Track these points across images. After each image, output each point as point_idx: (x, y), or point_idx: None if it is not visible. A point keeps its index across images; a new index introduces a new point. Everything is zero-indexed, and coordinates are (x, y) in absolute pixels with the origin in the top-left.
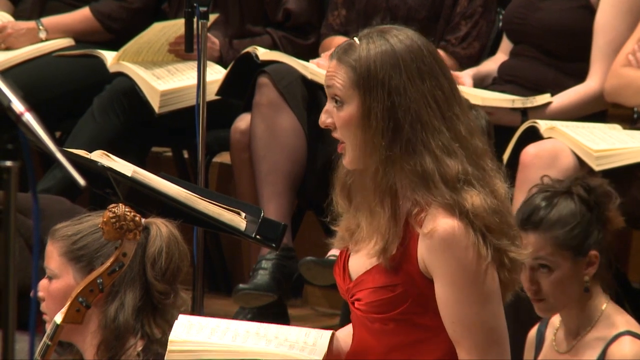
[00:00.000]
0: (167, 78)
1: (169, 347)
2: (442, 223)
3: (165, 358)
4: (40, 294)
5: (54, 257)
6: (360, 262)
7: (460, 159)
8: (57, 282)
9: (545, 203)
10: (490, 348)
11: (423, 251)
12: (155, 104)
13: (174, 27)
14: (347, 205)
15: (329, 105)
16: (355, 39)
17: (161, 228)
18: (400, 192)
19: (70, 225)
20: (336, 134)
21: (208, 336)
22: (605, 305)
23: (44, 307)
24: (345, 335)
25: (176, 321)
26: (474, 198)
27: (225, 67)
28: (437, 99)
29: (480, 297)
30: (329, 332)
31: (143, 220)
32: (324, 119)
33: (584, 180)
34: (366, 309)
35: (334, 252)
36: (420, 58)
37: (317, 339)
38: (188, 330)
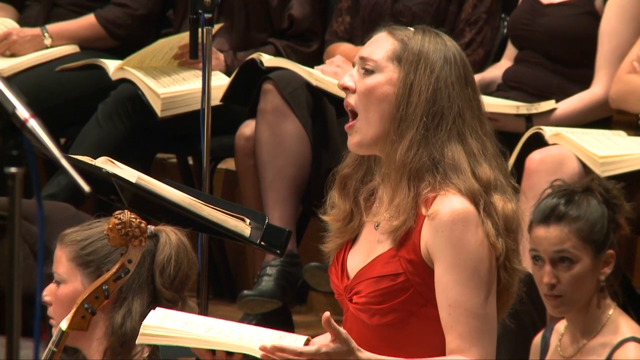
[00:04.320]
0: (169, 83)
1: (142, 330)
2: (451, 203)
3: (137, 341)
4: (48, 298)
5: (62, 261)
6: (360, 258)
7: (492, 166)
8: (65, 287)
9: (565, 200)
10: (482, 337)
11: (427, 232)
12: (157, 107)
13: (180, 41)
14: (338, 192)
15: (355, 71)
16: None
17: (170, 236)
18: (425, 175)
19: (79, 230)
20: (351, 99)
21: (182, 325)
22: (611, 311)
23: (50, 311)
24: (322, 341)
25: (152, 311)
26: (502, 202)
27: (229, 76)
28: (477, 108)
29: (480, 284)
30: (303, 337)
31: (153, 227)
32: (346, 80)
33: (600, 181)
34: (366, 300)
35: None
36: (466, 66)
37: (291, 342)
38: (162, 319)
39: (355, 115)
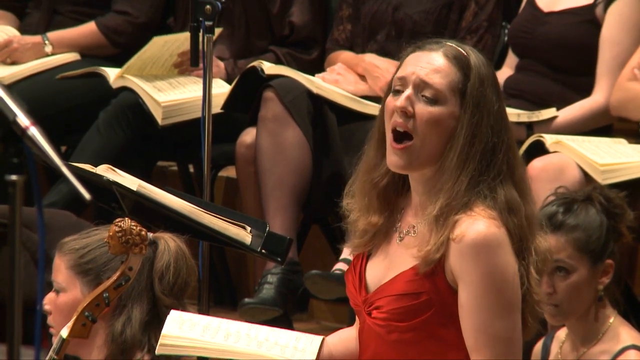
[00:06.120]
0: (170, 91)
1: (161, 340)
2: (477, 226)
3: (157, 352)
4: (47, 307)
5: (61, 270)
6: (380, 272)
7: (533, 201)
8: (65, 296)
9: (564, 208)
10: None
11: (452, 255)
12: (158, 115)
13: (176, 41)
14: (379, 203)
15: (412, 94)
16: (453, 44)
17: (169, 243)
18: (474, 208)
19: (78, 238)
20: (408, 123)
21: (201, 334)
22: (612, 318)
23: (50, 320)
24: (335, 341)
25: (168, 316)
26: (542, 243)
27: (230, 84)
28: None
29: (507, 307)
30: (319, 338)
31: (151, 234)
32: (405, 104)
33: (602, 190)
34: (386, 316)
35: (340, 265)
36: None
37: (307, 344)
38: (180, 326)
39: (405, 136)
